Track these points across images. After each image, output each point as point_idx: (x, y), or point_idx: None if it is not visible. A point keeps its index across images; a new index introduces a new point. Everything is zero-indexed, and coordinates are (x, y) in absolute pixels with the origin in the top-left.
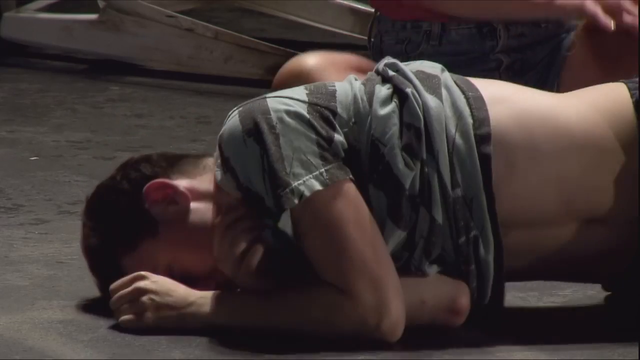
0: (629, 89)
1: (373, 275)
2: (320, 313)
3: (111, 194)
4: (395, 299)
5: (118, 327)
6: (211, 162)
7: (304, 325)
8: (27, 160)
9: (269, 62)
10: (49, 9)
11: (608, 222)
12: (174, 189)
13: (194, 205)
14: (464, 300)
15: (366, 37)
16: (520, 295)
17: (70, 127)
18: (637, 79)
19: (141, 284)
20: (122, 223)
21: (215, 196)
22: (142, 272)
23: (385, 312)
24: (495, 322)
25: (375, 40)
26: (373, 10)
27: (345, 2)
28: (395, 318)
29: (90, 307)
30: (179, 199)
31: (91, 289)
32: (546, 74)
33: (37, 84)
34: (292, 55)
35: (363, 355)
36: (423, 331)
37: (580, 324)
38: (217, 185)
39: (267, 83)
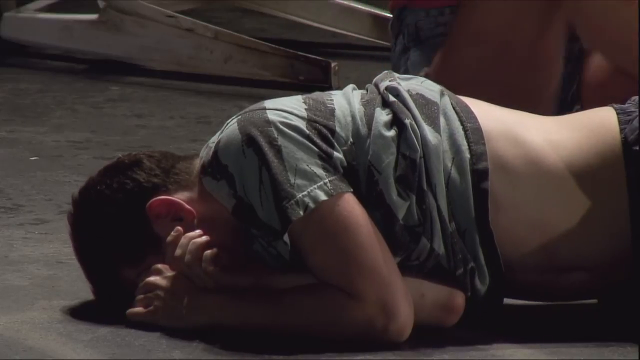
0: (619, 122)
1: (381, 279)
2: (328, 315)
3: (109, 206)
4: (403, 301)
5: (118, 327)
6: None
7: (311, 326)
8: (27, 160)
9: (269, 62)
10: (49, 9)
11: (592, 269)
12: (179, 206)
13: (197, 220)
14: (460, 299)
15: (366, 37)
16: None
17: (70, 127)
18: (631, 104)
19: (152, 279)
20: (126, 240)
21: (199, 203)
22: (158, 266)
23: (393, 315)
24: (495, 322)
25: (410, 31)
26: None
27: (345, 2)
28: (403, 320)
29: (90, 307)
30: (184, 216)
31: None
32: (571, 69)
33: (37, 84)
34: (292, 55)
35: (363, 355)
36: (422, 331)
37: (580, 324)
38: (202, 192)
39: (267, 83)
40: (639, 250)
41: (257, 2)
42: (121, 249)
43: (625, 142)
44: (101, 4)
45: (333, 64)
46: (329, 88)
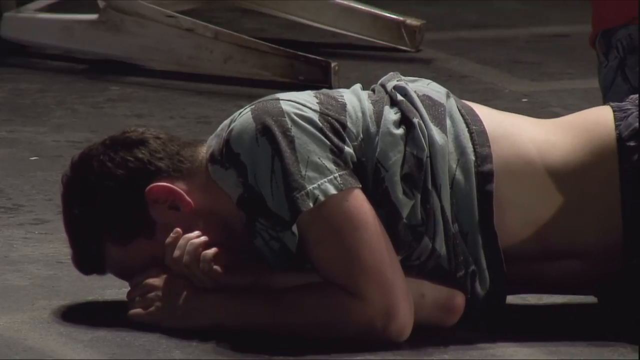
0: (615, 119)
1: (384, 278)
2: (328, 314)
3: (109, 180)
4: (403, 302)
5: (118, 327)
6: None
7: (311, 326)
8: (27, 160)
9: (269, 62)
10: (49, 9)
11: (584, 258)
12: (179, 195)
13: (194, 212)
14: (460, 300)
15: (366, 37)
16: (520, 295)
17: (70, 127)
18: (629, 102)
19: (151, 280)
20: (119, 218)
21: (199, 193)
22: (158, 268)
23: (393, 315)
24: (495, 322)
25: (625, 43)
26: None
27: (345, 2)
28: (403, 320)
29: (90, 307)
30: (181, 206)
31: (91, 289)
32: None
33: (37, 84)
34: (292, 55)
35: (363, 355)
36: (423, 331)
37: (580, 324)
38: (205, 182)
39: (267, 83)
40: (629, 242)
41: (257, 2)
42: (112, 224)
43: (620, 138)
44: (101, 4)
45: (333, 64)
46: (329, 88)
